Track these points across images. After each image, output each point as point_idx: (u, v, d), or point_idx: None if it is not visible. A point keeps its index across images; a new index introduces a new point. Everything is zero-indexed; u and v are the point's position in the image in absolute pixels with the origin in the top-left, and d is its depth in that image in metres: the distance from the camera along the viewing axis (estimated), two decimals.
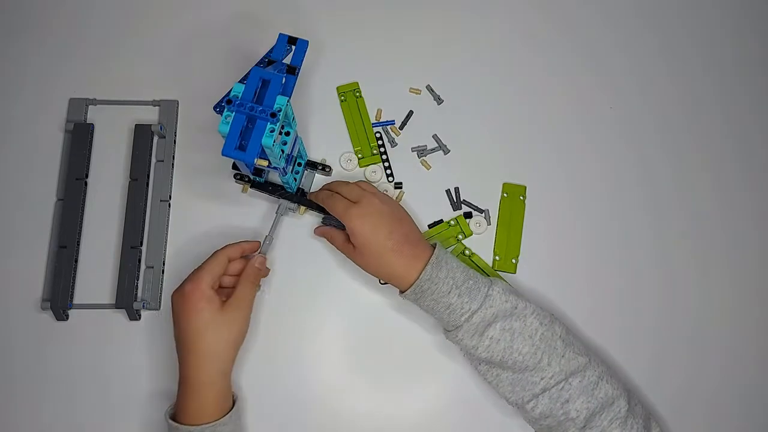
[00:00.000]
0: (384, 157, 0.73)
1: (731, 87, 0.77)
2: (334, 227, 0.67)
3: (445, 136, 0.74)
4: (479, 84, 0.76)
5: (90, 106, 0.74)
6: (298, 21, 0.77)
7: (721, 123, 0.76)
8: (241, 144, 0.56)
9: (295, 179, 0.69)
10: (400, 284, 0.63)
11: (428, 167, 0.73)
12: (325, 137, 0.73)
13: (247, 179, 0.69)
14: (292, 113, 0.60)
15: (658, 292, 0.71)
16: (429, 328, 0.69)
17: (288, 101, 0.56)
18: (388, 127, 0.74)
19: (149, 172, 0.72)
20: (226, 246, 0.64)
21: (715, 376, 0.69)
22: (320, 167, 0.70)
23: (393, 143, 0.74)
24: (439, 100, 0.75)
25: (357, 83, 0.75)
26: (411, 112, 0.75)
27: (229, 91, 0.56)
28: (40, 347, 0.68)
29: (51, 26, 0.77)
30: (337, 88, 0.75)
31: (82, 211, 0.71)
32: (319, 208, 0.68)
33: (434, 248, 0.63)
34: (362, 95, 0.75)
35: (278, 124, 0.55)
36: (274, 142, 0.55)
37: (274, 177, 0.68)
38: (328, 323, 0.69)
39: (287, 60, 0.62)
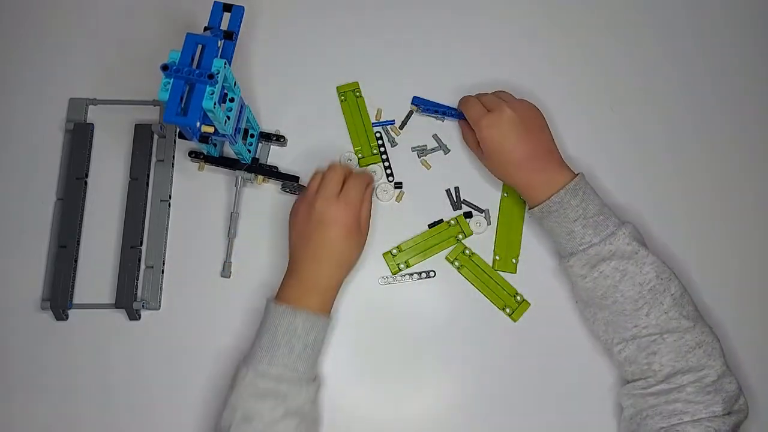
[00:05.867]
0: (384, 156, 0.73)
1: (733, 85, 0.77)
2: (468, 128, 0.68)
3: (445, 136, 0.74)
4: (479, 83, 0.75)
5: (90, 106, 0.74)
6: (299, 20, 0.77)
7: (723, 122, 0.75)
8: (182, 109, 0.57)
9: (249, 150, 0.70)
10: (525, 197, 0.67)
11: (428, 167, 0.73)
12: (325, 137, 0.73)
13: (201, 156, 0.70)
14: (233, 78, 0.61)
15: None
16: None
17: (226, 64, 0.57)
18: (388, 126, 0.74)
19: (149, 172, 0.72)
20: (334, 167, 0.65)
21: None
22: (274, 138, 0.72)
23: (393, 143, 0.74)
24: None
25: (357, 83, 0.75)
26: (411, 112, 0.75)
27: None
28: (40, 347, 0.68)
29: (51, 26, 0.77)
30: (337, 88, 0.75)
31: (82, 210, 0.71)
32: (279, 176, 0.70)
33: (575, 175, 0.64)
34: (362, 95, 0.75)
35: (217, 86, 0.56)
36: (215, 104, 0.56)
37: (229, 151, 0.70)
38: None
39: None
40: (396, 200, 0.72)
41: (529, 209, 0.66)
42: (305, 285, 0.63)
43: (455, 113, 0.72)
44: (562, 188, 0.63)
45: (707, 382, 0.59)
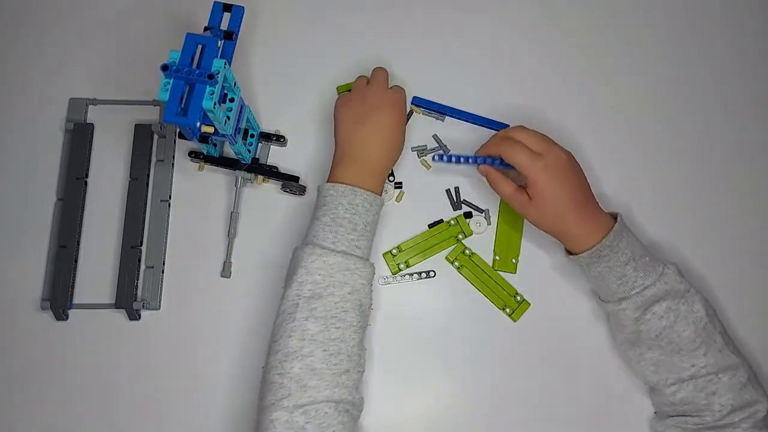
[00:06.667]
0: None
1: (734, 84, 0.77)
2: (502, 170, 0.65)
3: (445, 136, 0.74)
4: (479, 83, 0.75)
5: (90, 106, 0.74)
6: (299, 20, 0.77)
7: (724, 122, 0.75)
8: (182, 110, 0.57)
9: (249, 150, 0.70)
10: (572, 244, 0.63)
11: (428, 167, 0.73)
12: (325, 137, 0.73)
13: (201, 156, 0.70)
14: (233, 78, 0.61)
15: None
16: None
17: (226, 64, 0.57)
18: None
19: (149, 172, 0.72)
20: (381, 68, 0.69)
21: None
22: (274, 138, 0.72)
23: None
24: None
25: None
26: (411, 112, 0.75)
27: None
28: (40, 347, 0.68)
29: (51, 26, 0.77)
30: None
31: (82, 210, 0.71)
32: (279, 176, 0.70)
33: (614, 217, 0.63)
34: None
35: (217, 86, 0.56)
36: (215, 104, 0.56)
37: (229, 151, 0.70)
38: None
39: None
40: (396, 200, 0.72)
41: (571, 255, 0.63)
42: (361, 167, 0.64)
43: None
44: (610, 231, 0.61)
45: (759, 418, 0.58)
